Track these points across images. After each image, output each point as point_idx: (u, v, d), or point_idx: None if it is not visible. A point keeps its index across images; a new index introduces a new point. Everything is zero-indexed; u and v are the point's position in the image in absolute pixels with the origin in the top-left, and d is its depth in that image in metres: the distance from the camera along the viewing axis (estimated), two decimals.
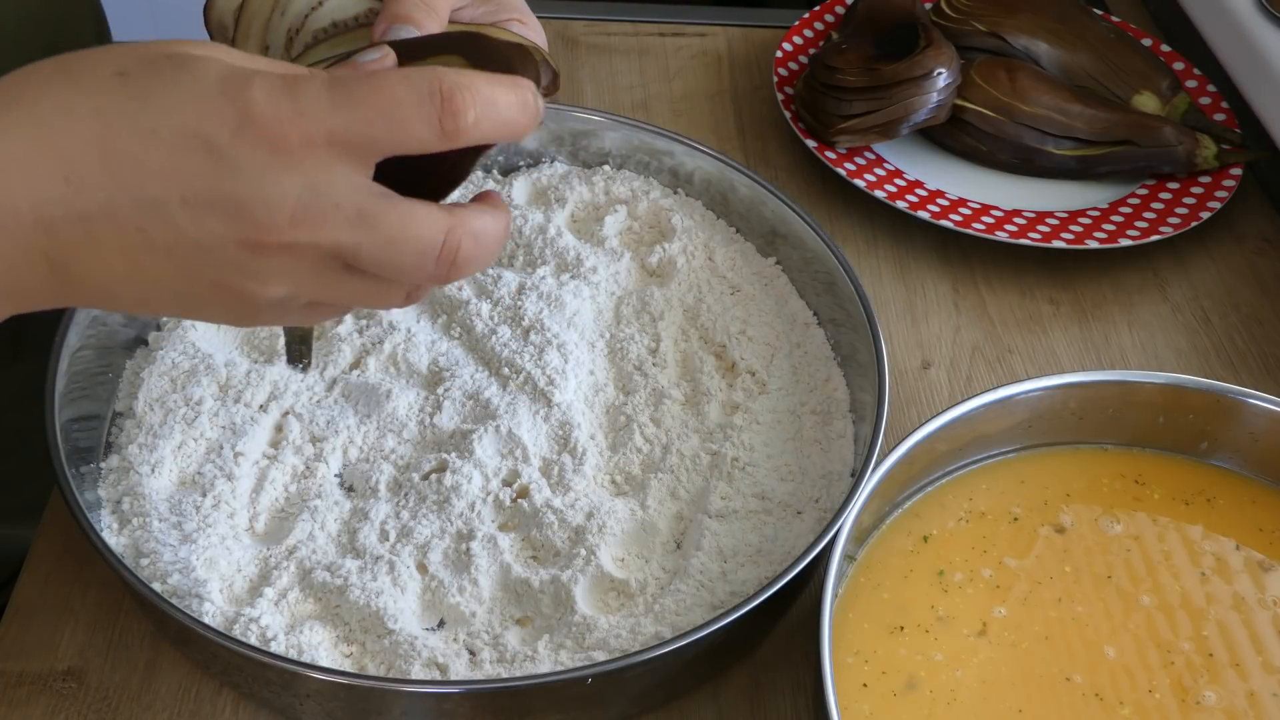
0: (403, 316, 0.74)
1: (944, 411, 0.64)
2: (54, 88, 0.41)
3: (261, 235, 0.42)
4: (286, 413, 0.69)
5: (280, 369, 0.70)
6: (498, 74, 0.44)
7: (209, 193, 0.41)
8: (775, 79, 0.97)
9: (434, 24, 0.51)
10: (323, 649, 0.59)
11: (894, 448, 0.62)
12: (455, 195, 0.49)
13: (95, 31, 0.80)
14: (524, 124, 0.44)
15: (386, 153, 0.42)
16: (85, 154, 0.41)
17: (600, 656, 0.59)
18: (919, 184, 0.91)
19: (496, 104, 0.43)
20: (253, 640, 0.58)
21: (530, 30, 0.56)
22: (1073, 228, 0.88)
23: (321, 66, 0.53)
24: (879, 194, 0.88)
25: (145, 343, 0.72)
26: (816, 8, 1.06)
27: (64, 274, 0.42)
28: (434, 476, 0.66)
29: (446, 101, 0.42)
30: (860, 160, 0.92)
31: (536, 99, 0.45)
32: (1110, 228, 0.88)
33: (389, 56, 0.46)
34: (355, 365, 0.72)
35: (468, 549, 0.63)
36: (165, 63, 0.42)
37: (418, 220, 0.43)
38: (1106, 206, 0.90)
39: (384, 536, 0.64)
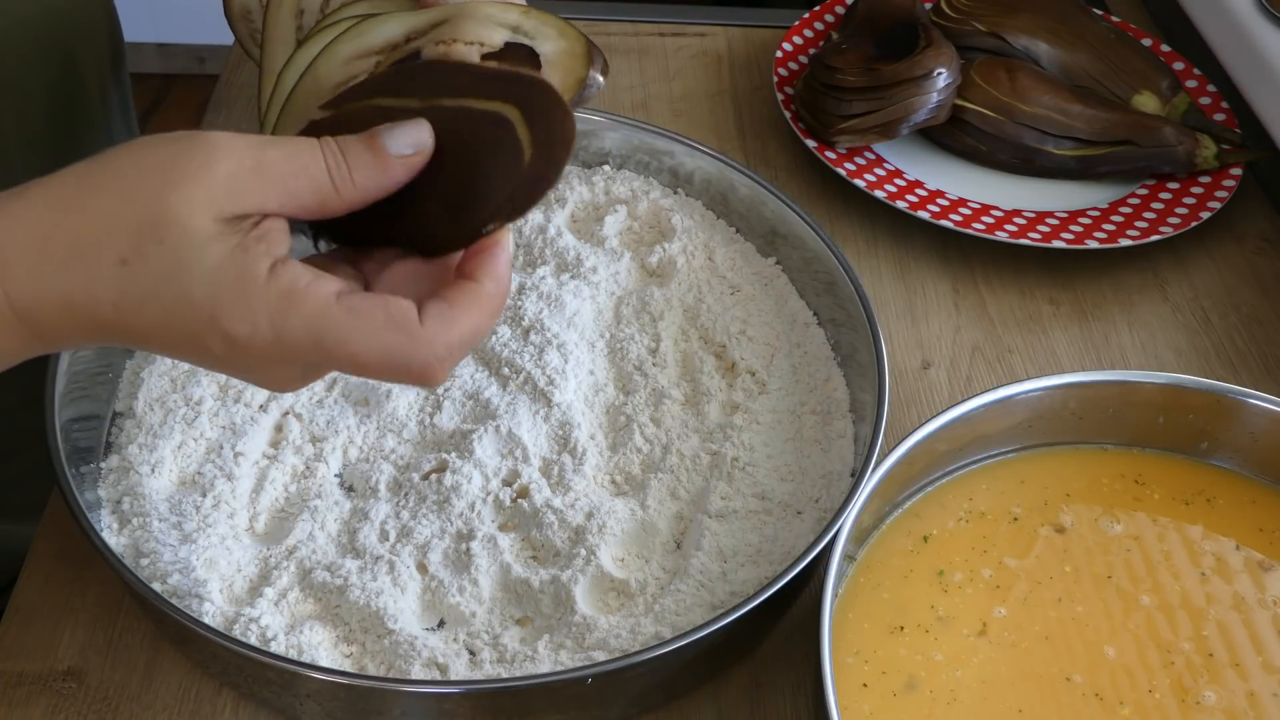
0: None
1: (944, 411, 0.64)
2: (79, 265, 0.45)
3: (276, 389, 0.49)
4: (286, 413, 0.69)
5: None
6: (464, 301, 0.46)
7: (221, 366, 0.47)
8: (775, 79, 0.97)
9: None
10: (323, 649, 0.59)
11: (894, 448, 0.62)
12: None
13: (108, 34, 0.80)
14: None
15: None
16: (110, 322, 0.45)
17: (600, 656, 0.59)
18: (919, 184, 0.91)
19: (470, 341, 0.47)
20: (253, 640, 0.58)
21: None
22: (1073, 228, 0.88)
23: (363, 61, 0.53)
24: (879, 194, 0.88)
25: None
26: (816, 8, 1.06)
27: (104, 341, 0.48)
28: (434, 476, 0.66)
29: (420, 376, 0.46)
30: (860, 160, 0.92)
31: (497, 290, 0.48)
32: (1110, 228, 0.88)
33: (428, 137, 0.48)
34: None
35: (468, 549, 0.63)
36: (155, 250, 0.44)
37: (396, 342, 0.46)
38: (1106, 206, 0.90)
39: (384, 536, 0.64)
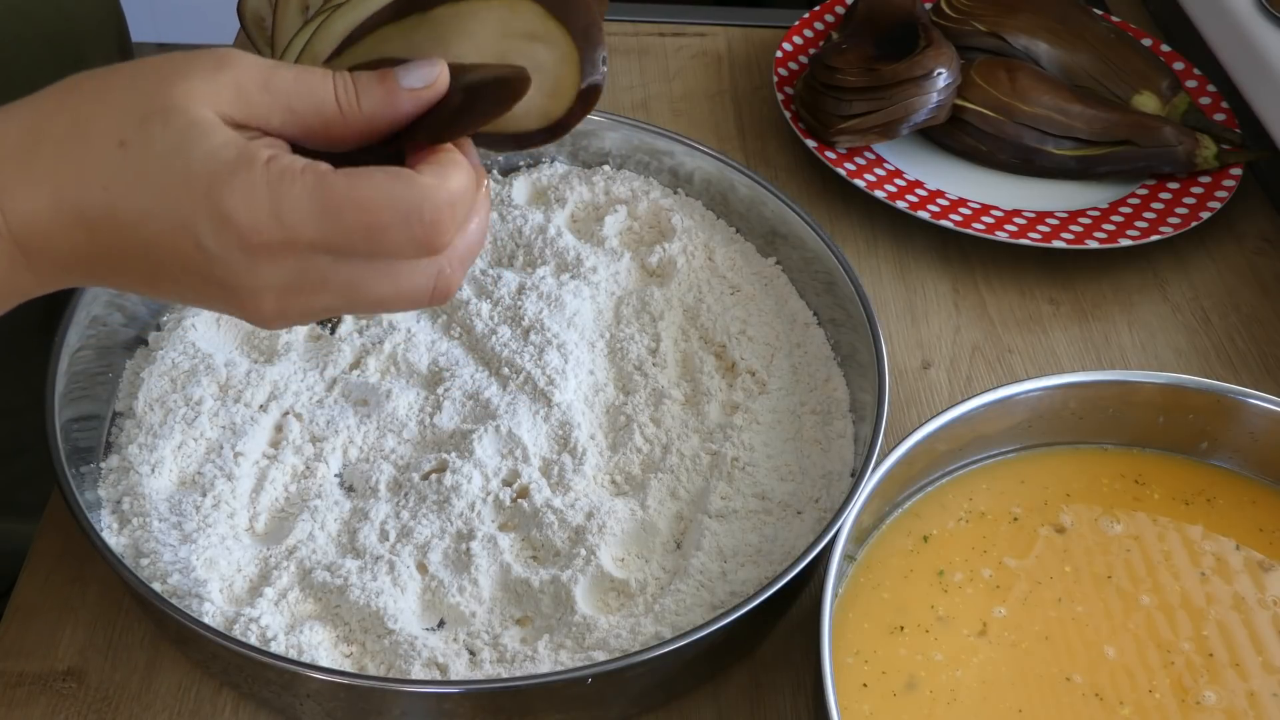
0: (403, 316, 0.74)
1: (944, 411, 0.64)
2: (71, 148, 0.44)
3: (252, 310, 0.46)
4: (286, 413, 0.69)
5: (280, 369, 0.70)
6: (448, 159, 0.45)
7: (203, 273, 0.45)
8: (775, 79, 0.97)
9: None
10: (323, 649, 0.59)
11: (894, 448, 0.62)
12: None
13: (116, 39, 0.80)
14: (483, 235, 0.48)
15: (364, 256, 0.45)
16: (100, 216, 0.44)
17: (600, 656, 0.59)
18: (919, 184, 0.91)
19: (466, 200, 0.46)
20: (253, 640, 0.58)
21: None
22: (1073, 228, 0.88)
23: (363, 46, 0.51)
24: (879, 194, 0.88)
25: (145, 343, 0.72)
26: (816, 8, 1.06)
27: (92, 279, 0.47)
28: (434, 476, 0.66)
29: (430, 226, 0.44)
30: (860, 160, 0.92)
31: (476, 165, 0.47)
32: (1110, 228, 0.88)
33: (442, 75, 0.47)
34: (355, 365, 0.72)
35: (468, 549, 0.63)
36: (160, 132, 0.44)
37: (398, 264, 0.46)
38: (1106, 206, 0.90)
39: (384, 536, 0.64)
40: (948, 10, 1.01)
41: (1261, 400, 0.67)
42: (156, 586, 0.60)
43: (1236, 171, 0.92)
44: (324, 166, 0.44)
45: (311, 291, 0.46)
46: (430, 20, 0.50)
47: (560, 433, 0.69)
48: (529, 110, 0.49)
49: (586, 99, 0.49)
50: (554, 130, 0.50)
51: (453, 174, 0.45)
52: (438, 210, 0.44)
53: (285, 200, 0.43)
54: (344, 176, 0.44)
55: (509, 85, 0.47)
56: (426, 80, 0.47)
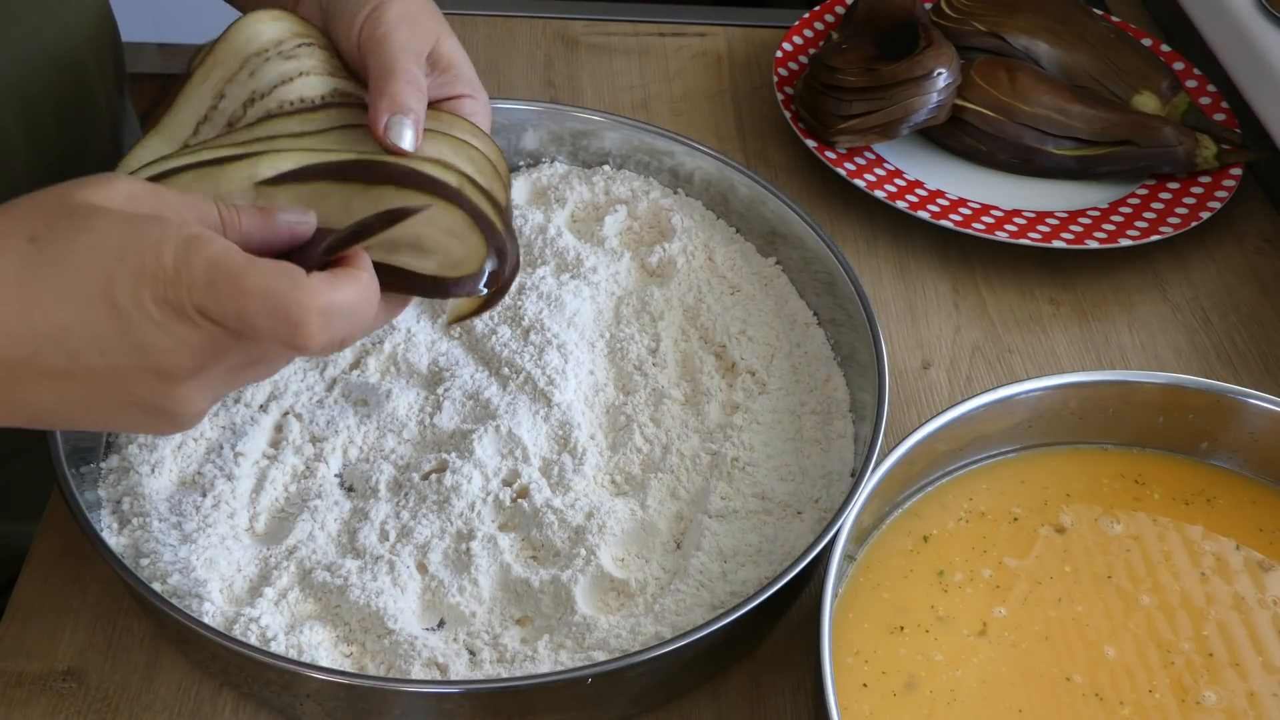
0: (403, 316, 0.74)
1: (944, 411, 0.64)
2: None
3: (168, 374, 0.48)
4: (286, 413, 0.69)
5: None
6: (345, 274, 0.49)
7: (118, 340, 0.47)
8: (775, 79, 0.97)
9: (423, 108, 0.58)
10: (323, 649, 0.59)
11: (894, 448, 0.62)
12: None
13: (111, 49, 0.81)
14: (375, 319, 0.51)
15: (234, 334, 0.48)
16: (13, 316, 0.46)
17: (600, 656, 0.59)
18: (919, 184, 0.91)
19: (347, 314, 0.48)
20: (253, 640, 0.58)
21: (479, 112, 0.61)
22: (1073, 228, 0.88)
23: (283, 158, 0.56)
24: (879, 194, 0.88)
25: None
26: (816, 8, 1.06)
27: (3, 408, 0.48)
28: (434, 476, 0.66)
29: (294, 326, 0.47)
30: (860, 160, 0.92)
31: (372, 282, 0.50)
32: (1110, 228, 0.88)
33: (309, 225, 0.52)
34: (355, 365, 0.72)
35: (468, 549, 0.63)
36: (67, 224, 0.47)
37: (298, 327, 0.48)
38: (1106, 206, 0.90)
39: (384, 536, 0.64)
40: (948, 10, 1.01)
41: (1261, 400, 0.67)
42: (156, 586, 0.60)
43: (1236, 171, 0.92)
44: (233, 246, 0.47)
45: (216, 358, 0.48)
46: (370, 194, 0.55)
47: (560, 433, 0.69)
48: (435, 258, 0.55)
49: (491, 280, 0.55)
50: (459, 283, 0.55)
51: (343, 285, 0.48)
52: (304, 312, 0.46)
53: (185, 265, 0.46)
54: (242, 259, 0.46)
55: (396, 212, 0.52)
56: (304, 216, 0.51)
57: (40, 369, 0.47)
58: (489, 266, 0.55)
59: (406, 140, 0.57)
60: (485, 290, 0.56)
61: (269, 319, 0.46)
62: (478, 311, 0.60)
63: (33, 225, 0.47)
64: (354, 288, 0.48)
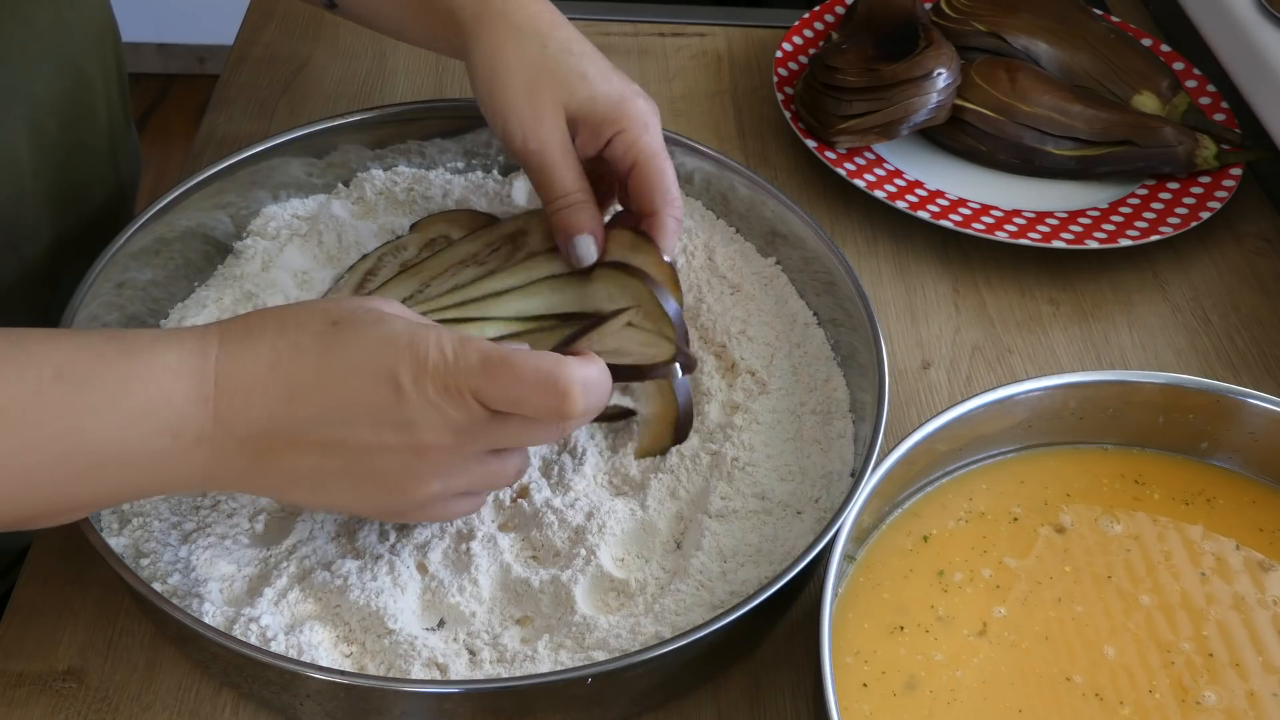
0: None
1: (944, 411, 0.64)
2: (287, 333, 0.54)
3: (427, 449, 0.54)
4: None
5: None
6: (587, 356, 0.56)
7: (392, 416, 0.53)
8: (775, 79, 0.97)
9: (599, 227, 0.69)
10: (323, 649, 0.59)
11: (894, 448, 0.62)
12: None
13: (113, 44, 0.81)
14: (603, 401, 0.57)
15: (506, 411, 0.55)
16: (307, 382, 0.53)
17: (600, 656, 0.59)
18: (919, 184, 0.91)
19: (595, 386, 0.55)
20: (253, 640, 0.58)
21: (667, 230, 0.69)
22: (1073, 228, 0.88)
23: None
24: (879, 194, 0.88)
25: None
26: (816, 8, 1.06)
27: (261, 467, 0.54)
28: None
29: (563, 397, 0.54)
30: (860, 160, 0.92)
31: (604, 365, 0.57)
32: (1110, 228, 0.88)
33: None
34: None
35: (468, 549, 0.63)
36: (366, 316, 0.55)
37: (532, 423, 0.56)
38: (1106, 206, 0.91)
39: (384, 537, 0.64)
40: (948, 10, 1.01)
41: (1261, 400, 0.67)
42: (157, 586, 0.60)
43: (1236, 171, 0.92)
44: (493, 344, 0.55)
45: (472, 439, 0.55)
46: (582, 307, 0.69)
47: None
48: (633, 358, 0.66)
49: (684, 367, 0.65)
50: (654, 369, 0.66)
51: (589, 363, 0.55)
52: (570, 383, 0.53)
53: (463, 356, 0.53)
54: (507, 349, 0.54)
55: (643, 369, 0.65)
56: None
57: (316, 438, 0.53)
58: (679, 360, 0.65)
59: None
60: (680, 374, 0.65)
61: (541, 392, 0.53)
62: (665, 449, 0.68)
63: (336, 314, 0.55)
64: (597, 366, 0.56)
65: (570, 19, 1.08)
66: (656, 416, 0.68)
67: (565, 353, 0.56)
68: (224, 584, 0.61)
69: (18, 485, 0.51)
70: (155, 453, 0.52)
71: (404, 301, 0.72)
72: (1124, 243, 0.86)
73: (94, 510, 0.56)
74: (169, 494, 0.59)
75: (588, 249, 0.69)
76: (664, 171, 0.69)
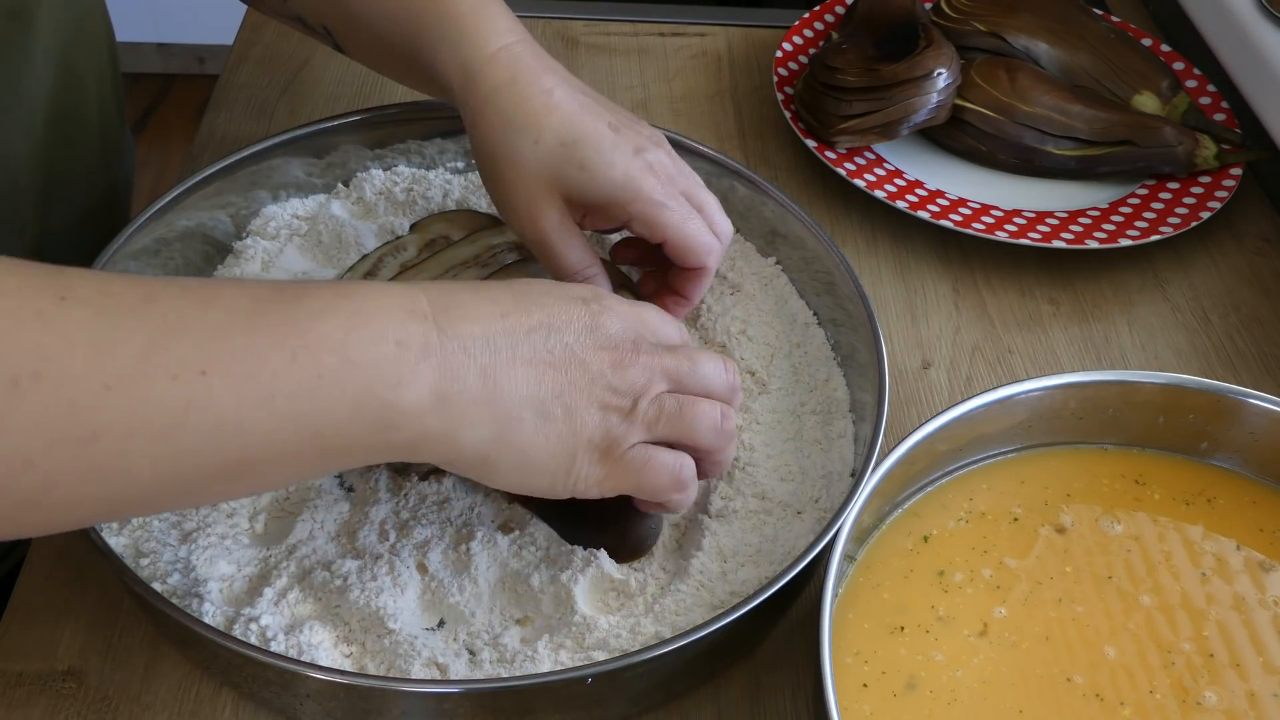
0: None
1: (944, 411, 0.64)
2: (474, 287, 0.57)
3: (623, 357, 0.57)
4: None
5: None
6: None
7: (588, 327, 0.56)
8: (775, 79, 0.97)
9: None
10: (323, 649, 0.59)
11: (894, 448, 0.62)
12: None
13: (108, 44, 0.81)
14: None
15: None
16: (509, 305, 0.55)
17: (600, 656, 0.59)
18: (919, 184, 0.91)
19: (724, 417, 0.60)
20: (253, 640, 0.58)
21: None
22: (1073, 228, 0.88)
23: None
24: (879, 194, 0.88)
25: None
26: (816, 8, 1.06)
27: (490, 386, 0.53)
28: (434, 476, 0.66)
29: (724, 418, 0.59)
30: (860, 160, 0.92)
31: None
32: (1110, 228, 0.88)
33: None
34: None
35: (467, 549, 0.63)
36: (538, 289, 0.58)
37: (705, 354, 0.61)
38: (1106, 206, 0.90)
39: (384, 536, 0.64)
40: (948, 10, 1.01)
41: (1261, 400, 0.66)
42: (156, 586, 0.60)
43: (1236, 171, 0.92)
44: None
45: (658, 354, 0.58)
46: None
47: None
48: None
49: None
50: None
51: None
52: (730, 402, 0.61)
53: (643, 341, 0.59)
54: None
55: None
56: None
57: (532, 353, 0.54)
58: None
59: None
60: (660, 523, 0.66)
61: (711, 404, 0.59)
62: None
63: (506, 290, 0.57)
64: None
65: (570, 19, 1.08)
66: None
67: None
68: (224, 584, 0.61)
69: (259, 414, 0.48)
70: (382, 361, 0.50)
71: None
72: (1124, 243, 0.86)
73: (320, 471, 0.55)
74: (396, 432, 0.52)
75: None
76: (696, 235, 0.67)
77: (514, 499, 0.64)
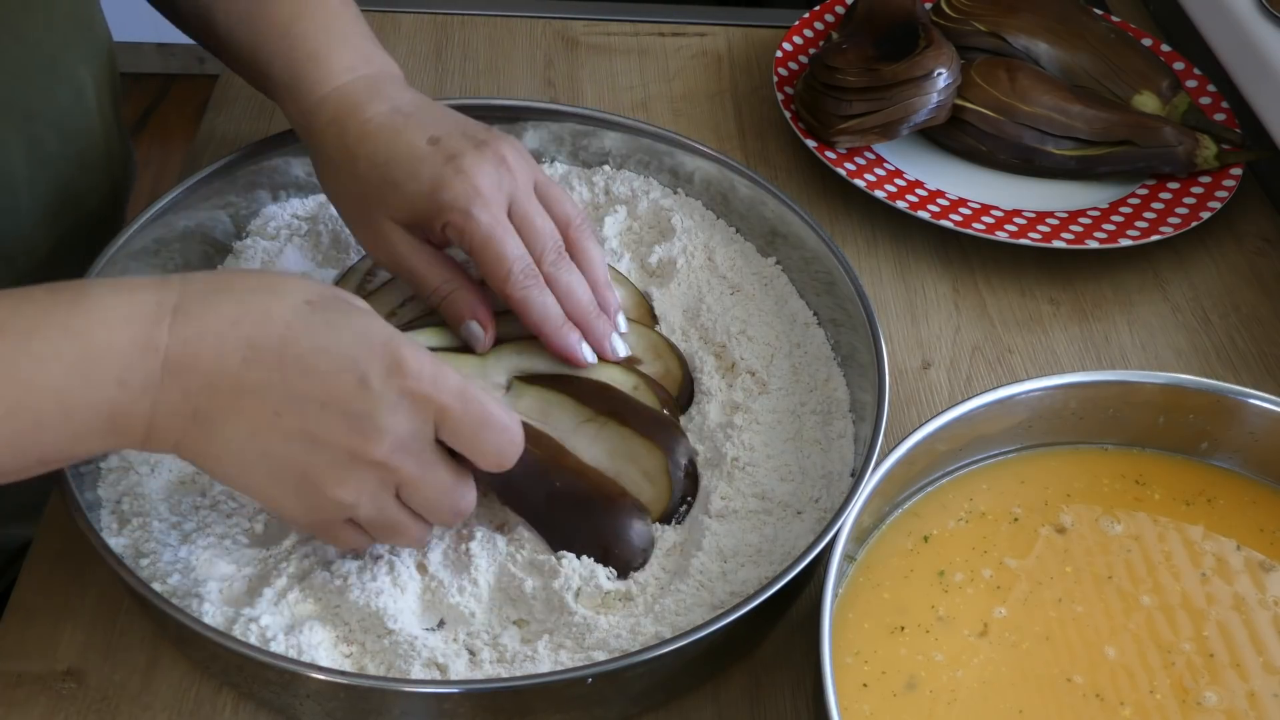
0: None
1: (944, 411, 0.64)
2: (259, 295, 0.53)
3: (365, 448, 0.53)
4: None
5: None
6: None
7: (346, 406, 0.52)
8: (775, 79, 0.97)
9: (480, 308, 0.68)
10: (323, 649, 0.59)
11: (894, 448, 0.62)
12: None
13: (107, 50, 0.81)
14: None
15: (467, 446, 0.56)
16: (269, 346, 0.52)
17: (600, 656, 0.59)
18: (919, 184, 0.91)
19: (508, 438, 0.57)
20: (252, 640, 0.58)
21: (586, 235, 0.70)
22: (1073, 228, 0.88)
23: None
24: (879, 194, 0.88)
25: None
26: (816, 8, 1.06)
27: (201, 425, 0.52)
28: None
29: (513, 444, 0.57)
30: (860, 160, 0.92)
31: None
32: (1110, 228, 0.88)
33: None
34: None
35: (467, 549, 0.63)
36: (343, 305, 0.54)
37: (455, 479, 0.57)
38: (1106, 206, 0.90)
39: None
40: (948, 10, 1.01)
41: (1261, 400, 0.66)
42: (156, 586, 0.60)
43: (1236, 171, 0.92)
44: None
45: (408, 452, 0.54)
46: (598, 422, 0.66)
47: None
48: (642, 495, 0.65)
49: (676, 482, 0.66)
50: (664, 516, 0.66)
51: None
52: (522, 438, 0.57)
53: (441, 373, 0.54)
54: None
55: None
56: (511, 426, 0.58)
57: (262, 408, 0.52)
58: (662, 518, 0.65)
59: (590, 357, 0.67)
60: (650, 541, 0.64)
61: (499, 432, 0.56)
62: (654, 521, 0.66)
63: (316, 294, 0.54)
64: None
65: (570, 19, 1.08)
66: (645, 504, 0.65)
67: None
68: (224, 584, 0.61)
69: None
70: (101, 403, 0.51)
71: (403, 304, 0.72)
72: (1124, 243, 0.86)
73: (44, 470, 0.54)
74: (113, 449, 0.57)
75: (474, 333, 0.67)
76: (500, 258, 0.65)
77: (504, 500, 0.64)
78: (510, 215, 0.66)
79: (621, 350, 0.68)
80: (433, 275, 0.67)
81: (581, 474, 0.64)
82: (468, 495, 0.58)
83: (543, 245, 0.66)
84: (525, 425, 0.63)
